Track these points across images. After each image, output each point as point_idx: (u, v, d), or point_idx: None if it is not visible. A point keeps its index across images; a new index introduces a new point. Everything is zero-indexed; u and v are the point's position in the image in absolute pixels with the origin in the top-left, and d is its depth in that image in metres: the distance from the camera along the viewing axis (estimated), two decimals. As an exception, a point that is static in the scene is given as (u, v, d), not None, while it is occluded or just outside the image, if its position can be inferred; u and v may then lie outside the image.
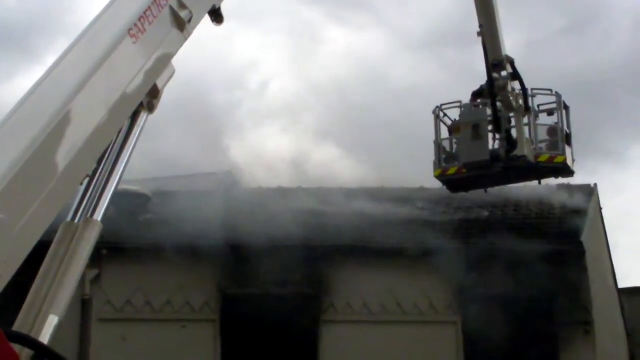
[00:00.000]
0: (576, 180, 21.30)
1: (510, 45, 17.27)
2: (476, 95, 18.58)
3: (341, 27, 55.91)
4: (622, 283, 27.53)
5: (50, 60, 6.39)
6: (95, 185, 6.75)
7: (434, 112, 19.37)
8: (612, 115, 47.80)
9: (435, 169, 19.22)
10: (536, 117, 18.70)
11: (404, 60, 51.11)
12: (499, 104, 17.85)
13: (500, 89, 17.57)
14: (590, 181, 25.06)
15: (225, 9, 8.67)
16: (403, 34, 52.39)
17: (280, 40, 55.10)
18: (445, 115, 19.44)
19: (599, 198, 24.97)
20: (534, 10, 48.45)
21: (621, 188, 49.89)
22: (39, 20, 58.76)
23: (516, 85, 17.84)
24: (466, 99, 18.97)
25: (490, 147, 18.16)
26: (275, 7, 54.39)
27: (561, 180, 21.21)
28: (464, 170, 18.53)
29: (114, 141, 6.86)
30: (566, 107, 19.02)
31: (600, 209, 25.28)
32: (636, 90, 54.09)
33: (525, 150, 17.76)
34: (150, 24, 7.05)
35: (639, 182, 53.78)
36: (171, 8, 7.45)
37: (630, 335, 27.41)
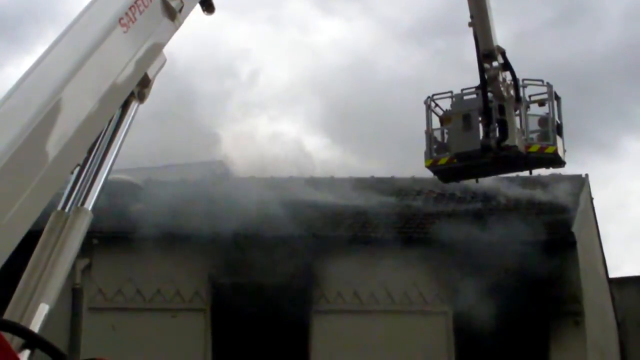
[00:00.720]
0: (567, 170, 21.33)
1: (499, 35, 17.21)
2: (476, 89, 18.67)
3: (330, 17, 55.91)
4: (613, 273, 27.62)
5: (40, 50, 6.39)
6: (85, 174, 6.73)
7: (425, 102, 19.35)
8: (601, 106, 47.95)
9: (426, 159, 19.20)
10: (527, 107, 18.69)
11: (393, 50, 51.15)
12: (489, 94, 17.84)
13: (491, 79, 17.55)
14: (580, 172, 25.13)
15: (215, -1, 8.66)
16: (392, 24, 52.44)
17: (268, 30, 55.04)
18: (436, 105, 19.43)
19: (590, 189, 25.03)
20: (523, 1, 48.50)
21: (611, 178, 50.05)
22: (29, 10, 58.55)
23: (507, 75, 17.80)
24: (456, 89, 18.99)
25: (481, 137, 18.16)
26: (263, -2, 54.35)
27: (552, 171, 21.21)
28: (455, 160, 18.53)
29: (104, 130, 6.84)
30: (557, 98, 19.02)
31: (592, 199, 25.33)
32: (625, 81, 54.22)
33: (516, 140, 17.74)
34: (141, 13, 7.03)
35: (629, 173, 53.91)
36: (162, -3, 7.45)
37: (620, 325, 27.50)
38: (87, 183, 6.71)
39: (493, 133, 17.92)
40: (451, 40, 53.62)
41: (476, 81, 18.00)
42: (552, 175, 23.24)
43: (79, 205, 6.58)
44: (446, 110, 19.18)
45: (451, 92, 19.18)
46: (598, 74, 49.93)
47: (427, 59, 50.98)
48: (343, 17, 55.99)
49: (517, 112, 18.29)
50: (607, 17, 54.91)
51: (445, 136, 19.18)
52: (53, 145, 5.80)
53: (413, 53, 52.62)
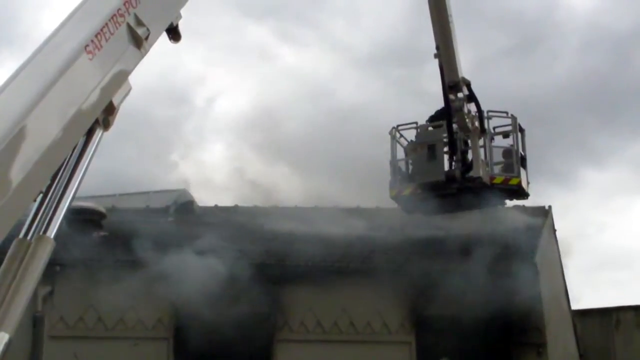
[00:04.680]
0: (530, 202, 21.43)
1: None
2: (434, 118, 18.74)
3: (288, 44, 56.05)
4: (573, 304, 27.73)
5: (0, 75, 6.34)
6: (48, 201, 6.68)
7: (390, 133, 19.42)
8: (558, 136, 48.21)
9: (391, 189, 19.24)
10: (491, 139, 18.81)
11: (351, 78, 51.36)
12: (454, 126, 17.93)
13: (456, 110, 17.65)
14: (540, 203, 25.26)
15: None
16: (350, 52, 52.65)
17: (226, 57, 55.09)
18: (401, 135, 19.50)
19: (552, 220, 25.16)
20: (480, 30, 48.88)
21: (569, 209, 50.31)
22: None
23: (472, 107, 17.93)
24: (414, 118, 19.14)
25: (446, 168, 18.24)
26: (221, 23, 54.45)
27: (515, 202, 21.30)
28: (419, 191, 18.58)
29: (68, 157, 6.80)
30: (521, 130, 19.16)
31: (554, 230, 25.46)
32: (582, 111, 54.66)
33: (480, 171, 17.84)
34: (107, 40, 7.01)
35: (587, 203, 54.22)
36: (128, 25, 7.42)
37: (582, 356, 27.57)
38: (49, 210, 6.65)
39: (458, 164, 18.02)
40: (409, 68, 53.93)
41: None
42: (515, 207, 23.33)
43: (41, 233, 6.53)
44: (411, 140, 19.26)
45: (416, 122, 19.27)
46: (555, 104, 50.28)
47: (385, 87, 51.19)
48: (300, 44, 56.19)
49: (482, 143, 18.39)
50: (563, 47, 55.45)
51: (410, 167, 19.24)
52: (16, 173, 5.75)
53: (370, 81, 52.81)
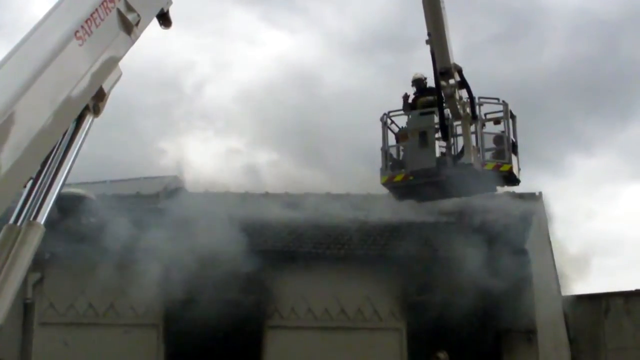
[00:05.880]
0: (521, 188, 21.43)
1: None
2: (405, 98, 18.86)
3: (276, 30, 55.92)
4: (564, 290, 27.76)
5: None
6: (38, 188, 6.66)
7: (381, 119, 19.37)
8: (547, 123, 48.17)
9: (382, 176, 19.20)
10: (483, 125, 18.78)
11: (339, 64, 51.26)
12: (446, 112, 17.92)
13: (447, 96, 17.63)
14: (531, 189, 25.28)
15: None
16: (338, 38, 52.57)
17: (215, 43, 54.96)
18: (392, 122, 19.47)
19: (544, 206, 25.18)
20: (469, 16, 48.82)
21: (558, 196, 50.22)
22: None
23: (463, 93, 17.91)
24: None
25: (437, 154, 18.22)
26: (208, 9, 54.28)
27: (506, 189, 21.30)
28: (411, 177, 18.55)
29: (58, 143, 6.77)
30: (512, 116, 19.13)
31: (546, 217, 25.48)
32: (571, 97, 54.63)
33: (472, 158, 17.83)
34: (97, 26, 6.99)
35: (576, 190, 54.17)
36: (119, 11, 7.40)
37: (572, 342, 27.65)
38: (39, 197, 6.63)
39: (449, 150, 18.00)
40: (398, 54, 53.85)
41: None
42: (506, 193, 23.33)
43: (31, 219, 6.51)
44: (402, 127, 19.23)
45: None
46: (544, 91, 50.20)
47: (374, 74, 51.13)
48: (289, 30, 56.10)
49: (473, 129, 18.37)
50: (552, 33, 55.42)
51: (402, 153, 19.21)
52: (6, 158, 5.73)
53: (359, 67, 52.76)
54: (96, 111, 7.23)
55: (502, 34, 54.66)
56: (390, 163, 19.17)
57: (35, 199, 6.63)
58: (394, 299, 20.66)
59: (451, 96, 17.63)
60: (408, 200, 20.60)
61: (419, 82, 19.74)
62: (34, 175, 6.51)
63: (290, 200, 24.37)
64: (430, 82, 18.64)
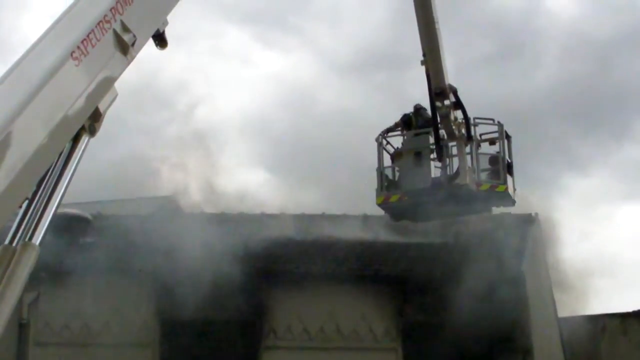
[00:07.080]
0: (516, 209, 21.42)
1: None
2: (405, 122, 18.82)
3: (269, 49, 55.95)
4: (560, 310, 27.75)
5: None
6: (34, 208, 6.67)
7: (376, 140, 19.39)
8: (541, 143, 48.15)
9: (377, 196, 19.20)
10: (478, 146, 18.79)
11: (333, 84, 51.29)
12: (441, 132, 17.94)
13: (442, 117, 17.66)
14: (525, 210, 25.24)
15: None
16: (332, 57, 52.60)
17: (208, 62, 54.97)
18: (387, 142, 19.48)
19: (539, 227, 25.17)
20: (462, 36, 48.92)
21: (554, 216, 49.98)
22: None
23: (458, 114, 17.94)
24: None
25: (432, 175, 18.23)
26: (203, 28, 54.30)
27: (502, 209, 21.30)
28: (406, 198, 18.55)
29: (54, 164, 6.78)
30: (508, 137, 19.14)
31: (541, 237, 25.48)
32: (564, 117, 54.62)
33: (467, 178, 17.83)
34: (93, 46, 7.01)
35: (570, 210, 54.06)
36: (115, 31, 7.41)
37: (568, 362, 27.64)
38: (35, 217, 6.64)
39: (444, 171, 18.01)
40: (392, 74, 53.87)
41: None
42: (502, 214, 23.32)
43: (26, 239, 6.51)
44: (397, 147, 19.24)
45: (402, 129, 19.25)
46: (537, 111, 50.19)
47: (369, 93, 51.18)
48: (282, 50, 56.16)
49: (468, 150, 18.38)
50: (545, 54, 55.51)
51: (397, 174, 19.21)
52: (1, 179, 5.74)
53: (353, 87, 52.83)
54: (92, 131, 7.24)
55: (495, 54, 54.81)
56: (386, 184, 19.17)
57: (31, 219, 6.63)
58: (389, 319, 20.65)
59: (446, 117, 17.65)
60: (403, 220, 20.61)
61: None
62: (29, 196, 6.51)
63: (285, 220, 24.36)
64: (425, 103, 18.64)
